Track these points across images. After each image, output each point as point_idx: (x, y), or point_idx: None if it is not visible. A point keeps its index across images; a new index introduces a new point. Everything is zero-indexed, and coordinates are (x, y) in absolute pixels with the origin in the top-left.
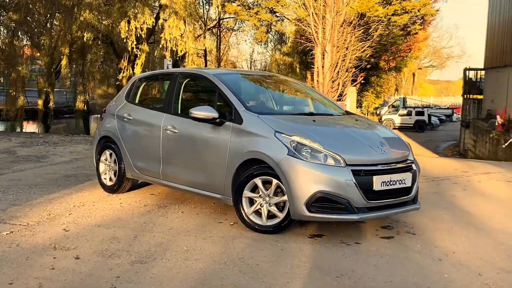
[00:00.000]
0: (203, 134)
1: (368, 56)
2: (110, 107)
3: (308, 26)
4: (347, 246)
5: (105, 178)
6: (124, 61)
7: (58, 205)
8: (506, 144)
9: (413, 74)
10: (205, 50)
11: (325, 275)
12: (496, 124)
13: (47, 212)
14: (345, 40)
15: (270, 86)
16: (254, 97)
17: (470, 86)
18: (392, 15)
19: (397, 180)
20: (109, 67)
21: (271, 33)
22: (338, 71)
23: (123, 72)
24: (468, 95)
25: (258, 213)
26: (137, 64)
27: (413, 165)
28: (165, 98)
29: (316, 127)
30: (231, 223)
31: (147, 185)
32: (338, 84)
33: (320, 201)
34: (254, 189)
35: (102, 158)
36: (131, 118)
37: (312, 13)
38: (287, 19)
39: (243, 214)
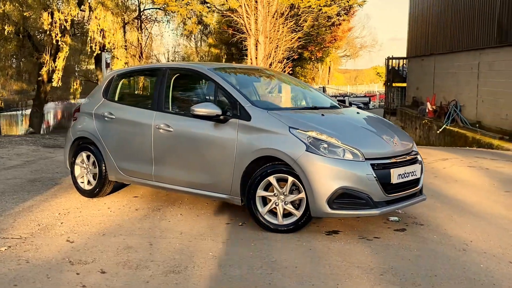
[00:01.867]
0: (204, 132)
1: (298, 47)
2: (85, 105)
3: (241, 17)
4: (369, 241)
5: (82, 182)
6: (46, 55)
7: (41, 214)
8: (440, 130)
9: (329, 64)
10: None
11: (367, 273)
12: (427, 110)
13: (35, 222)
14: (277, 31)
15: (265, 80)
16: (254, 92)
17: (394, 74)
18: (324, 6)
19: (410, 172)
20: (28, 61)
21: (199, 24)
22: (271, 62)
23: (45, 66)
24: (391, 83)
25: (272, 212)
26: (59, 58)
27: (419, 156)
28: (153, 95)
29: (327, 121)
30: (240, 224)
31: (123, 187)
32: None
33: (341, 197)
34: (267, 187)
35: (78, 160)
36: (114, 117)
37: (244, 4)
38: (219, 10)
39: (257, 214)
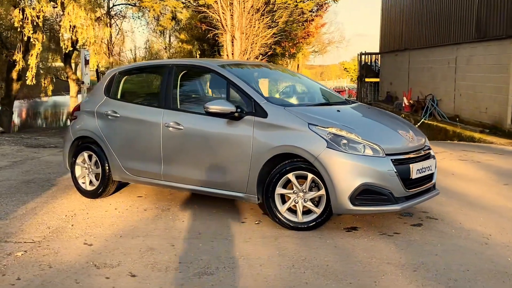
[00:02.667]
0: (217, 129)
1: (273, 43)
2: (86, 104)
3: (216, 13)
4: (391, 237)
5: (84, 183)
6: (18, 53)
7: (47, 216)
8: (418, 124)
9: (299, 60)
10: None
11: (400, 269)
12: (403, 105)
13: (44, 225)
14: (253, 27)
15: (272, 75)
16: (265, 89)
17: (367, 69)
18: (300, 1)
19: (426, 167)
20: None
21: (173, 20)
22: (248, 58)
23: (18, 64)
24: (364, 79)
25: (290, 210)
26: (32, 55)
27: (431, 151)
28: (160, 93)
29: (344, 117)
30: (256, 222)
31: (123, 187)
32: None
33: (363, 194)
34: (285, 185)
35: (78, 160)
36: (118, 115)
37: (220, 0)
38: (194, 5)
39: (276, 212)
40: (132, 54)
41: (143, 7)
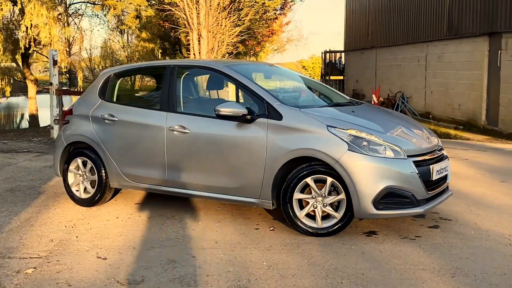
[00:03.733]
0: (226, 133)
1: (239, 41)
2: (78, 107)
3: (182, 11)
4: (413, 241)
5: (78, 190)
6: None
7: (46, 228)
8: None
9: (261, 59)
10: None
11: (438, 275)
12: (373, 103)
13: (45, 237)
14: (220, 25)
15: (276, 76)
16: (275, 89)
17: (331, 67)
18: None
19: (443, 168)
20: None
21: (137, 19)
22: (215, 57)
23: None
24: (329, 76)
25: (308, 215)
26: None
27: (444, 152)
28: (162, 95)
29: (361, 118)
30: (270, 228)
31: (115, 194)
32: None
33: (386, 197)
34: (303, 190)
35: (71, 167)
36: (116, 119)
37: None
38: (159, 3)
39: (295, 218)
40: (87, 54)
41: (105, 6)
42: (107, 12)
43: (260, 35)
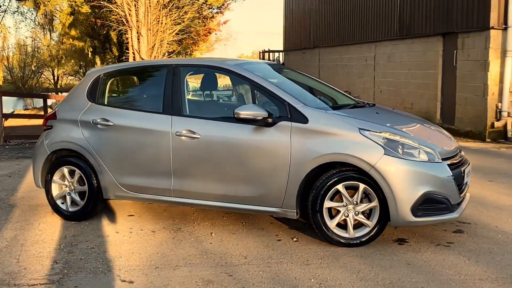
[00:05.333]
0: (243, 137)
1: (179, 40)
2: (64, 111)
3: (120, 8)
4: (447, 247)
5: (63, 203)
6: None
7: (40, 247)
8: None
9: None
10: None
11: (499, 285)
12: None
13: (46, 259)
14: (160, 23)
15: (289, 75)
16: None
17: None
18: None
19: (469, 171)
20: None
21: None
22: (155, 56)
23: None
24: None
25: (338, 224)
26: None
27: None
28: (165, 97)
29: (387, 120)
30: (293, 239)
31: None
32: None
33: (424, 203)
34: (332, 197)
35: (56, 177)
36: (111, 124)
37: None
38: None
39: (325, 228)
40: (5, 53)
41: (37, 1)
42: (39, 8)
43: (196, 34)
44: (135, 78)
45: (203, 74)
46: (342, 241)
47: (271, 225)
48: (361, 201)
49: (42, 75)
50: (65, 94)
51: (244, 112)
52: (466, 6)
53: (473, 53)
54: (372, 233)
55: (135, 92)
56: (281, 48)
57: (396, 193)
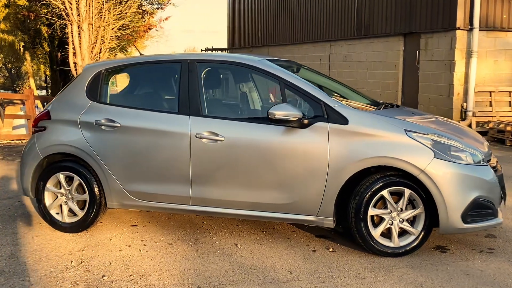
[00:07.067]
0: (274, 139)
1: (120, 36)
2: (60, 111)
3: (60, 1)
4: (491, 254)
5: (58, 213)
6: None
7: (49, 265)
8: None
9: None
10: None
11: None
12: (270, 101)
13: (63, 279)
14: (103, 18)
15: (304, 75)
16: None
17: None
18: None
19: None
20: None
21: (6, 8)
22: (98, 52)
23: None
24: None
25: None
26: None
27: None
28: (181, 95)
29: (428, 121)
30: (330, 250)
31: None
32: None
33: (474, 209)
34: (375, 204)
35: (49, 185)
36: (118, 125)
37: None
38: None
39: (369, 238)
40: None
41: None
42: None
43: (135, 30)
44: (142, 74)
45: (221, 71)
46: (388, 251)
47: (294, 233)
48: (406, 208)
49: None
50: None
51: (280, 112)
52: (430, 7)
53: (438, 53)
54: (417, 242)
55: (143, 90)
56: (226, 46)
57: (446, 199)
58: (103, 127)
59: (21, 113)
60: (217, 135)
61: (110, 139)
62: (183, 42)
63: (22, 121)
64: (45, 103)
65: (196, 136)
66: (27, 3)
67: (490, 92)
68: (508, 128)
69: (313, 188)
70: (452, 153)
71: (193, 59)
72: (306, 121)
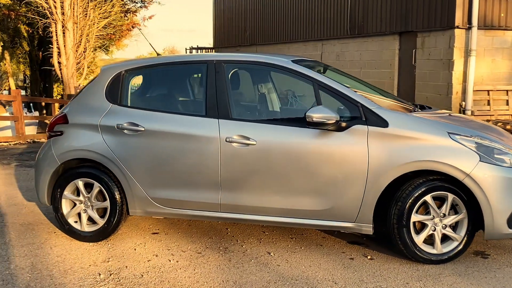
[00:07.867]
0: (309, 143)
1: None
2: (78, 115)
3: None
4: None
5: (77, 222)
6: None
7: (75, 278)
8: None
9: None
10: None
11: None
12: None
13: None
14: (88, 16)
15: (336, 73)
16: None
17: None
18: None
19: None
20: None
21: None
22: (82, 51)
23: None
24: None
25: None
26: None
27: None
28: (209, 98)
29: (465, 123)
30: (368, 257)
31: None
32: (83, 66)
33: None
34: (417, 210)
35: (67, 192)
36: (143, 129)
37: None
38: None
39: (411, 244)
40: None
41: None
42: None
43: (119, 29)
44: (165, 75)
45: (249, 72)
46: (432, 258)
47: (325, 240)
48: (448, 213)
49: None
50: None
51: (318, 115)
52: (428, 6)
53: (435, 52)
54: (459, 248)
55: (167, 92)
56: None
57: (492, 204)
58: (125, 131)
59: (7, 114)
60: (248, 138)
61: (133, 144)
62: (162, 41)
63: (7, 123)
64: (31, 104)
65: (226, 140)
66: (10, 2)
67: (488, 91)
68: (508, 127)
69: (351, 194)
70: (495, 155)
71: (220, 60)
72: (343, 124)
